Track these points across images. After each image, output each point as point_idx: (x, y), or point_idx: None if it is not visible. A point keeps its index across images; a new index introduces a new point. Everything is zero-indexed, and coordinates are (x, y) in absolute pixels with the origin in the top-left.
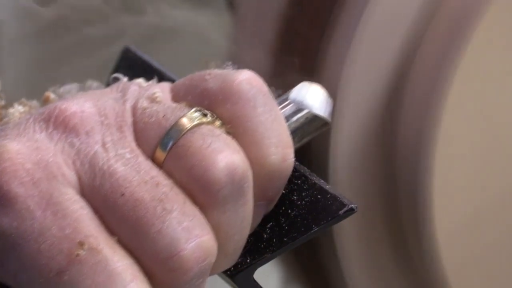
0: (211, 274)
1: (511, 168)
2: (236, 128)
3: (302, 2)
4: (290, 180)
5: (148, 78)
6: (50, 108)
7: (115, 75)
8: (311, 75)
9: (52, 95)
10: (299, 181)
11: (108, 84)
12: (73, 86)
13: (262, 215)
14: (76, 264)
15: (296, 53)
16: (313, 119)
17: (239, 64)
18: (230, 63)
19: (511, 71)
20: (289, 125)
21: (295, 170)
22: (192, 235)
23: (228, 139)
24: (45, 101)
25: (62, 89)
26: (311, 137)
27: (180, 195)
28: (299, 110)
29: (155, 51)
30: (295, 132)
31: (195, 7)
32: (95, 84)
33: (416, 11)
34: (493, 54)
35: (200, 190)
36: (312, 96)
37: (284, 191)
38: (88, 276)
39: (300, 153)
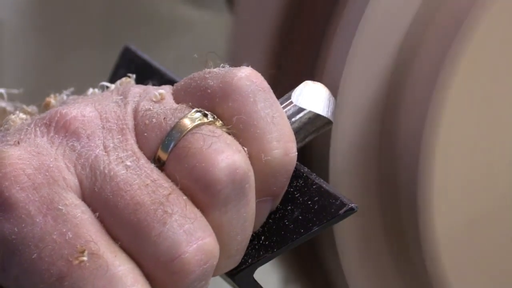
0: (214, 275)
1: (510, 169)
2: (237, 125)
3: (302, 2)
4: (291, 180)
5: (148, 77)
6: (51, 113)
7: (102, 83)
8: (311, 74)
9: (52, 101)
10: (299, 181)
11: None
12: (74, 94)
13: (268, 211)
14: (77, 270)
15: (296, 52)
16: (316, 119)
17: (239, 63)
18: (227, 63)
19: (511, 71)
20: (291, 125)
21: (295, 169)
22: (193, 237)
23: (229, 139)
24: (46, 107)
25: (63, 96)
26: (314, 136)
27: (181, 198)
28: (301, 109)
29: (155, 51)
30: (298, 132)
31: (195, 7)
32: (97, 92)
33: (416, 11)
34: (493, 54)
35: (201, 191)
36: (314, 96)
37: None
38: (89, 281)
39: (300, 153)
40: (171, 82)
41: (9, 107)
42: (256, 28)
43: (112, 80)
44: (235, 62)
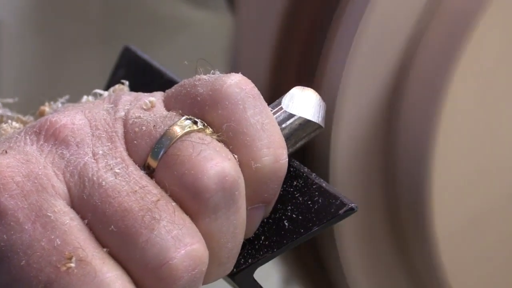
0: (207, 283)
1: (511, 168)
2: (227, 132)
3: (303, 4)
4: (290, 180)
5: (148, 78)
6: (41, 121)
7: (96, 91)
8: (312, 75)
9: (47, 109)
10: (299, 181)
11: (109, 85)
12: (73, 96)
13: (261, 218)
14: (65, 276)
15: (297, 53)
16: (306, 124)
17: (238, 64)
18: (217, 70)
19: (511, 71)
20: (282, 131)
21: (295, 169)
22: (181, 243)
23: (219, 146)
24: (40, 115)
25: (58, 104)
26: (305, 141)
27: (169, 204)
28: (291, 115)
29: (155, 51)
30: (289, 138)
31: (195, 7)
32: (91, 99)
33: (415, 13)
34: (493, 54)
35: (191, 198)
36: (304, 102)
37: (284, 191)
38: (76, 287)
39: (301, 153)
40: (171, 82)
41: (7, 113)
42: (256, 29)
43: (112, 80)
44: (236, 64)
